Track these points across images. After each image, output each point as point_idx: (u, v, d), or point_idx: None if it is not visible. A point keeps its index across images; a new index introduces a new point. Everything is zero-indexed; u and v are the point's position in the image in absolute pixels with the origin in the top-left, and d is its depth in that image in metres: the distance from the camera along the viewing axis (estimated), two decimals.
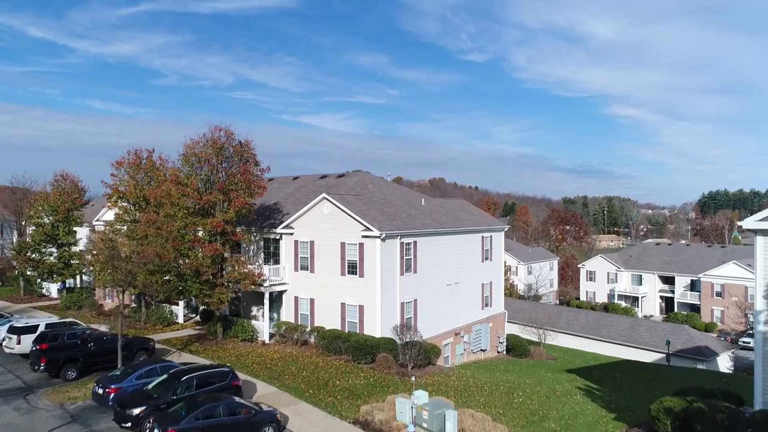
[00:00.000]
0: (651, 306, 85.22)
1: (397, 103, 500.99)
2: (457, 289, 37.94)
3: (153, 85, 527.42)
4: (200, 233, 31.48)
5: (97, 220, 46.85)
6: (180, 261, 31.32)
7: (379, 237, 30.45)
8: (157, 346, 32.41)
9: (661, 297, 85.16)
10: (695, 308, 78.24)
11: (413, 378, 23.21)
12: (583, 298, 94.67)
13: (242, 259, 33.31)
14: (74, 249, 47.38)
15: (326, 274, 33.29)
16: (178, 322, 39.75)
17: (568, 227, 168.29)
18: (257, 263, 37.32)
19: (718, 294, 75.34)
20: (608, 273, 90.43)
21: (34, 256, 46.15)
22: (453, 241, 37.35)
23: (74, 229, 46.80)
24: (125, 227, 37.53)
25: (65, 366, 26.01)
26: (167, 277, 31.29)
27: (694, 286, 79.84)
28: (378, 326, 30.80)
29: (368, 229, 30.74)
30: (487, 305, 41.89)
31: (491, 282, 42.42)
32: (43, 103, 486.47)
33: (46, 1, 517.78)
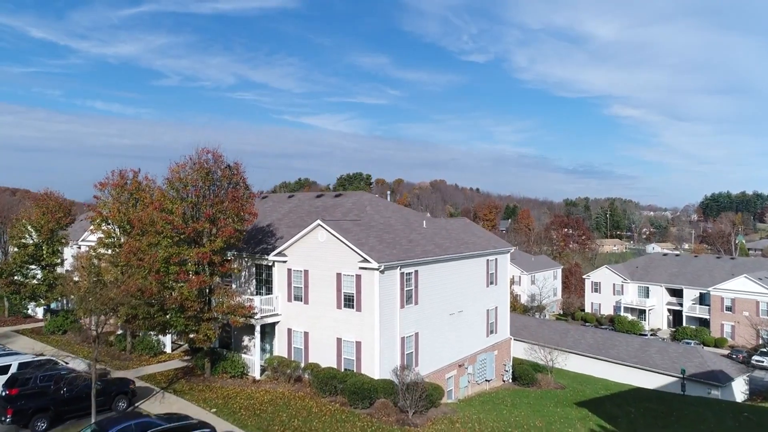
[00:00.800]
0: (658, 319, 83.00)
1: (398, 104, 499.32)
2: (461, 318, 35.77)
3: (154, 86, 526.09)
4: (186, 264, 29.27)
5: (82, 240, 44.74)
6: (164, 293, 29.13)
7: (377, 269, 28.28)
8: (140, 384, 30.30)
9: (669, 310, 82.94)
10: (704, 322, 76.00)
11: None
12: (588, 309, 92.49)
13: (231, 290, 31.11)
14: (59, 270, 45.27)
15: (321, 306, 31.13)
16: (165, 352, 37.60)
17: (570, 231, 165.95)
18: (248, 291, 35.20)
19: (729, 309, 73.10)
20: (614, 284, 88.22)
21: (16, 278, 44.03)
22: (456, 268, 35.18)
23: (59, 249, 44.69)
24: (109, 251, 35.43)
25: (35, 416, 23.85)
26: (150, 312, 29.08)
27: (703, 299, 77.59)
28: (376, 365, 28.62)
29: (366, 260, 28.57)
30: (492, 332, 39.70)
31: (496, 307, 40.23)
32: (45, 103, 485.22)
33: (48, 2, 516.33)
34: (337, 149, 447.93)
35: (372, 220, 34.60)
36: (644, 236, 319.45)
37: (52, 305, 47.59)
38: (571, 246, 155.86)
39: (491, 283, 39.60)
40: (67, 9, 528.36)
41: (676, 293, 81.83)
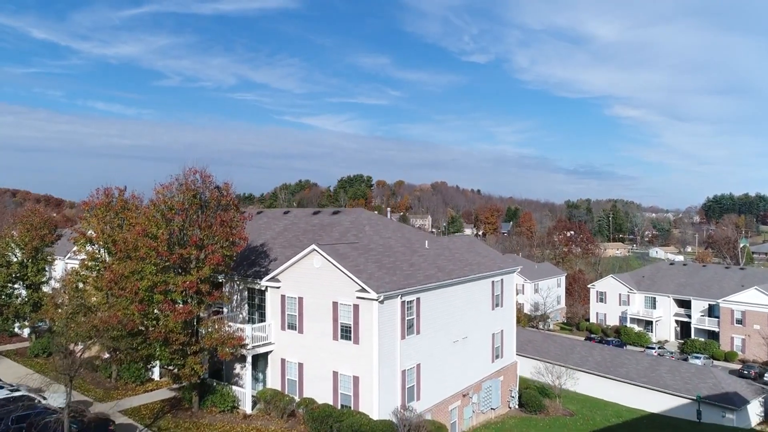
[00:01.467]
0: (665, 330, 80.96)
1: (399, 105, 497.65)
2: (465, 344, 33.80)
3: (155, 87, 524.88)
4: (172, 293, 27.27)
5: (69, 258, 42.82)
6: (148, 324, 27.17)
7: (376, 300, 26.31)
8: (123, 420, 28.37)
9: (677, 321, 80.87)
10: (714, 335, 73.94)
11: None
12: (593, 320, 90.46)
13: (221, 319, 29.14)
14: (45, 289, 43.36)
15: (316, 336, 29.16)
16: (153, 379, 35.65)
17: (572, 234, 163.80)
18: (240, 316, 33.26)
19: (739, 321, 71.04)
20: (620, 294, 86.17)
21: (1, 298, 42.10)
22: (461, 291, 33.21)
23: (44, 267, 42.77)
24: (94, 273, 33.51)
25: None
26: (133, 345, 27.13)
27: (712, 311, 75.53)
28: (375, 403, 26.63)
29: (364, 289, 26.59)
30: (497, 356, 37.73)
31: (502, 330, 38.26)
32: (46, 104, 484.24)
33: (49, 3, 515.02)
34: (338, 150, 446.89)
35: (371, 242, 32.65)
36: (646, 239, 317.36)
37: (39, 323, 45.67)
38: (573, 251, 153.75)
39: (497, 305, 37.63)
40: (69, 10, 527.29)
41: (684, 304, 79.78)
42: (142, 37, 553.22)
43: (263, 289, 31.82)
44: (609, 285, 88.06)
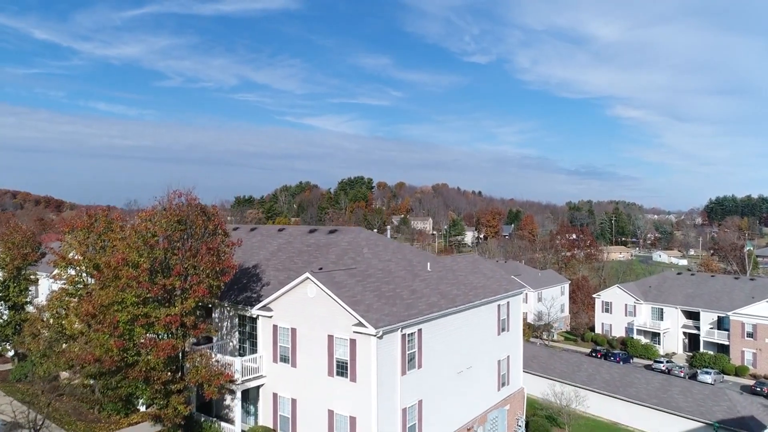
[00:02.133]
0: (673, 343, 78.84)
1: (400, 105, 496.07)
2: (470, 374, 31.79)
3: (157, 87, 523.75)
4: (154, 326, 25.23)
5: (54, 281, 40.78)
6: (128, 359, 25.15)
7: (374, 335, 24.30)
8: None
9: (685, 333, 78.73)
10: (723, 348, 71.83)
11: None
12: (598, 330, 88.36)
13: (208, 352, 27.12)
14: (30, 309, 41.39)
15: (311, 370, 27.15)
16: (139, 410, 33.60)
17: (575, 237, 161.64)
18: (231, 345, 31.27)
19: (750, 335, 68.95)
20: (626, 305, 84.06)
21: None
22: (465, 318, 31.20)
23: (27, 287, 40.81)
24: (76, 298, 31.51)
25: None
26: (112, 383, 25.14)
27: (721, 323, 73.42)
28: None
29: (361, 324, 24.59)
30: (504, 384, 35.72)
31: (508, 356, 36.24)
32: (48, 105, 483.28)
33: (51, 4, 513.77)
34: (339, 150, 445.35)
35: (369, 266, 30.64)
36: (649, 242, 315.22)
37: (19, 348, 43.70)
38: (577, 256, 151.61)
39: (503, 329, 35.62)
40: (70, 10, 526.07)
41: (692, 316, 77.66)
42: (144, 37, 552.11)
43: (255, 316, 29.84)
44: (615, 295, 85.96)
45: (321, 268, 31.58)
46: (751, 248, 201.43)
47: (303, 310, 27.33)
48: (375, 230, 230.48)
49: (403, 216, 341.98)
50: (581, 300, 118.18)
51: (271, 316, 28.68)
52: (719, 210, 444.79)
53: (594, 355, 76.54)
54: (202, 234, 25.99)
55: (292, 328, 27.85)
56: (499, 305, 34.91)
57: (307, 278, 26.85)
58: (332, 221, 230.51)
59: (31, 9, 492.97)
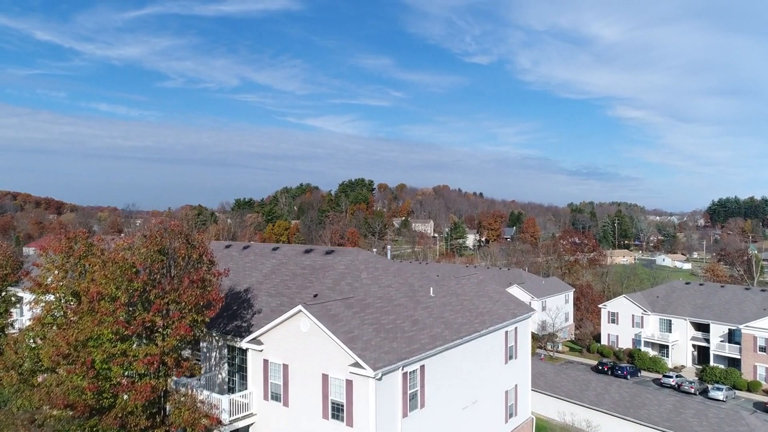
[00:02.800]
0: (682, 355, 76.63)
1: (401, 106, 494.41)
2: (476, 409, 29.65)
3: (158, 88, 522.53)
4: (132, 366, 23.08)
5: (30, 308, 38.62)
6: (103, 402, 23.00)
7: (373, 377, 22.18)
8: None
9: (694, 346, 76.52)
10: (735, 362, 69.63)
11: None
12: (604, 341, 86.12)
13: (192, 391, 24.95)
14: (11, 331, 39.27)
15: (304, 411, 25.00)
16: None
17: (578, 241, 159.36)
18: (219, 378, 29.15)
19: (762, 349, 66.73)
20: (633, 316, 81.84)
21: None
22: (471, 349, 29.08)
23: (7, 309, 38.67)
24: (55, 327, 29.35)
25: None
26: (85, 429, 23.00)
27: (732, 336, 71.21)
28: None
29: (358, 364, 22.46)
30: (511, 415, 33.59)
31: (516, 386, 34.11)
32: (49, 106, 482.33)
33: (53, 5, 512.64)
34: (341, 151, 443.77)
35: (368, 294, 28.49)
36: (652, 244, 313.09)
37: None
38: (580, 260, 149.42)
39: (511, 357, 33.49)
40: (72, 11, 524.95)
41: (702, 328, 75.45)
42: (145, 38, 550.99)
43: (245, 348, 27.72)
44: (621, 305, 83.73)
45: (316, 295, 29.50)
46: (756, 252, 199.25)
47: (296, 345, 25.21)
48: (376, 233, 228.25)
49: (404, 218, 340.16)
50: (585, 307, 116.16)
51: (261, 350, 26.55)
52: (722, 212, 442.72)
53: (601, 368, 74.43)
54: (185, 264, 23.82)
55: (284, 364, 25.72)
56: (506, 332, 32.78)
57: (300, 311, 24.72)
58: (332, 224, 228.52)
59: (33, 10, 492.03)
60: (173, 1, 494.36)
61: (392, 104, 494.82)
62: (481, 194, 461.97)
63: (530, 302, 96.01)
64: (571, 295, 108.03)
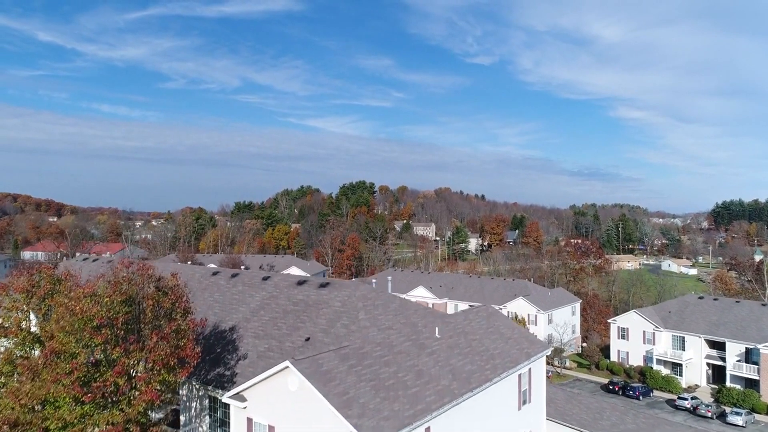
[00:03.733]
0: (696, 374, 73.36)
1: (403, 106, 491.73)
2: None
3: (160, 89, 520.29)
4: None
5: None
6: None
7: None
8: None
9: (709, 364, 73.26)
10: (753, 383, 66.37)
11: None
12: (613, 357, 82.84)
13: None
14: None
15: None
16: None
17: (583, 249, 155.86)
18: (201, 430, 26.00)
19: None
20: (644, 332, 78.59)
21: None
22: (481, 400, 25.88)
23: None
24: (14, 376, 26.24)
25: None
26: None
27: (749, 355, 67.96)
28: None
29: None
30: None
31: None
32: (51, 106, 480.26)
33: (55, 6, 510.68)
34: (342, 152, 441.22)
35: (366, 340, 25.32)
36: (656, 248, 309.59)
37: None
38: (586, 268, 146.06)
39: (524, 402, 30.33)
40: (75, 12, 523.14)
41: (717, 345, 72.21)
42: (147, 39, 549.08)
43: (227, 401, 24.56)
44: (631, 321, 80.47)
45: (308, 339, 26.38)
46: (762, 257, 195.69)
47: (283, 405, 22.04)
48: (377, 238, 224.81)
49: (405, 221, 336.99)
50: (593, 318, 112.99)
51: (245, 407, 23.38)
52: (726, 214, 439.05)
53: (611, 387, 71.27)
54: (155, 316, 20.68)
55: (269, 425, 22.55)
56: (519, 375, 29.62)
57: (287, 367, 21.55)
58: (333, 229, 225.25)
59: (35, 11, 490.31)
60: (175, 2, 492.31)
61: (393, 105, 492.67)
62: (483, 196, 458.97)
63: (536, 315, 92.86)
64: (578, 306, 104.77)
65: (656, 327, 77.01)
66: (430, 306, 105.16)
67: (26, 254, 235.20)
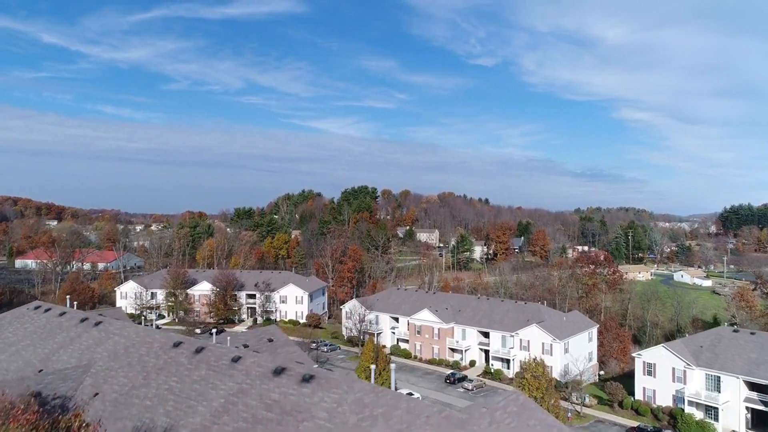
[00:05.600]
0: (734, 419, 65.93)
1: (405, 108, 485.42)
2: None
3: (163, 90, 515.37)
4: None
5: None
6: None
7: None
8: None
9: (748, 408, 65.79)
10: None
11: None
12: (638, 395, 75.41)
13: None
14: None
15: None
16: None
17: (594, 266, 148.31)
18: None
19: None
20: (673, 369, 71.20)
21: None
22: None
23: None
24: None
25: None
26: None
27: None
28: None
29: None
30: None
31: None
32: (55, 108, 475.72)
33: (60, 8, 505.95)
34: (344, 153, 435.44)
35: None
36: (665, 255, 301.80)
37: None
38: (599, 284, 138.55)
39: None
40: (79, 15, 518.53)
41: (758, 387, 64.82)
42: (151, 41, 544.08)
43: None
44: (659, 356, 73.04)
45: None
46: None
47: None
48: (379, 247, 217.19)
49: (408, 227, 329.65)
50: (609, 343, 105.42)
51: None
52: (734, 219, 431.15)
53: None
54: None
55: None
56: None
57: None
58: (334, 238, 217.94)
59: (40, 13, 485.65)
60: (179, 3, 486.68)
61: (396, 106, 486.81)
62: (486, 200, 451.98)
63: (551, 345, 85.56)
64: (594, 332, 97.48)
65: (687, 364, 69.60)
66: (436, 331, 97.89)
67: (20, 262, 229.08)
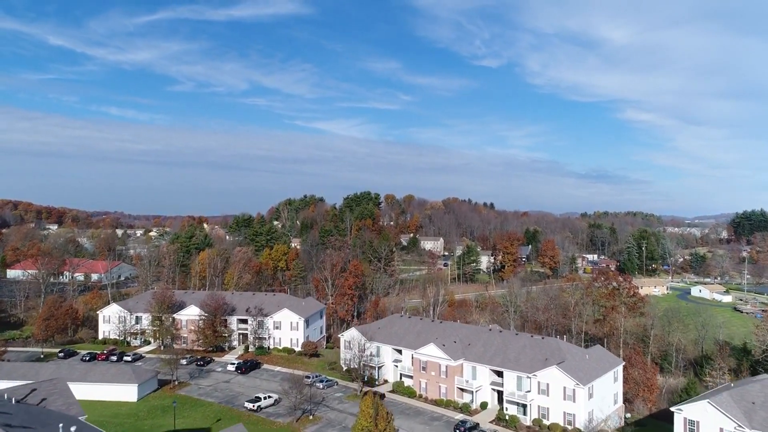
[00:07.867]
0: None
1: (410, 109, 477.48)
2: None
3: (168, 92, 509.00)
4: None
5: None
6: None
7: None
8: None
9: None
10: None
11: None
12: None
13: None
14: None
15: None
16: None
17: (616, 285, 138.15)
18: None
19: None
20: (721, 429, 61.38)
21: None
22: None
23: None
24: None
25: None
26: None
27: None
28: None
29: None
30: None
31: None
32: (61, 110, 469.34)
33: (66, 10, 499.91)
34: (349, 154, 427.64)
35: None
36: (679, 265, 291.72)
37: None
38: (617, 306, 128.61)
39: None
40: (85, 17, 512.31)
41: None
42: (156, 43, 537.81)
43: None
44: (704, 413, 63.21)
45: None
46: None
47: None
48: (382, 259, 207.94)
49: (412, 235, 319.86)
50: (634, 379, 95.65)
51: None
52: (746, 225, 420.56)
53: None
54: None
55: None
56: None
57: None
58: (335, 250, 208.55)
59: (47, 15, 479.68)
60: (185, 5, 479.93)
61: (400, 108, 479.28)
62: (492, 205, 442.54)
63: (574, 390, 75.77)
64: (620, 370, 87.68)
65: (739, 425, 59.76)
66: (444, 368, 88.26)
67: (12, 272, 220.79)
